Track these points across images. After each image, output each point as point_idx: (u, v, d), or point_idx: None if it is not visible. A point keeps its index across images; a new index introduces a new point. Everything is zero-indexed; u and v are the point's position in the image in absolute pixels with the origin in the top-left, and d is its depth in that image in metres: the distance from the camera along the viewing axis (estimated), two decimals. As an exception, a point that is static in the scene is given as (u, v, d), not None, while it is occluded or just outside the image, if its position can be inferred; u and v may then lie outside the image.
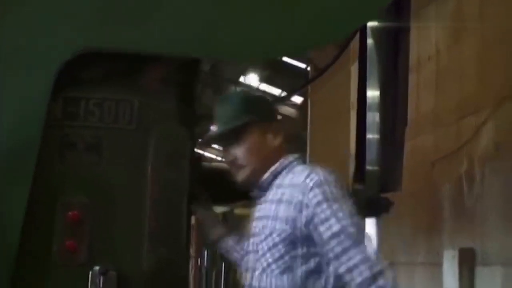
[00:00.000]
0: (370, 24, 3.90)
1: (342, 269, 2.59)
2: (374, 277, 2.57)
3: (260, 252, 2.74)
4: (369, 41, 3.88)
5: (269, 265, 2.69)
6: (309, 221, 2.64)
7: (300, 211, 2.65)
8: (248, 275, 2.78)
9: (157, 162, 3.06)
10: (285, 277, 2.66)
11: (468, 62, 6.89)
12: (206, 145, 3.57)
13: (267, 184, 2.86)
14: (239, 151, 2.90)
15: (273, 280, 2.67)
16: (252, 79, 16.65)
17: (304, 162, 2.94)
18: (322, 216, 2.63)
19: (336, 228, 2.64)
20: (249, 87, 17.34)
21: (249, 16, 3.06)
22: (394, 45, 3.84)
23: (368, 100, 3.87)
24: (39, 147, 2.93)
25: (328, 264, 2.65)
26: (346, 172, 6.96)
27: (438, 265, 6.92)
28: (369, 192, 3.85)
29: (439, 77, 7.59)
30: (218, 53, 3.07)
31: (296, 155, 2.94)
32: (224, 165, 3.21)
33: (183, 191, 2.94)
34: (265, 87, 17.35)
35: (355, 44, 4.17)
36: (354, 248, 2.59)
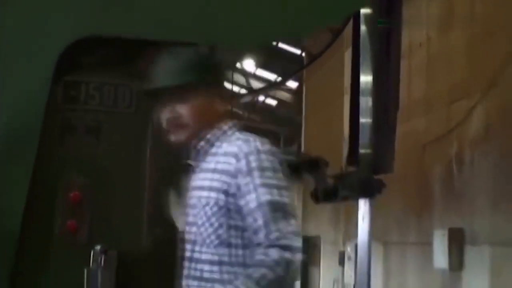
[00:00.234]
0: (363, 11, 3.88)
1: (259, 240, 2.47)
2: (283, 247, 2.42)
3: (199, 223, 2.61)
4: (362, 27, 3.86)
5: (208, 236, 2.57)
6: (238, 190, 2.52)
7: (232, 180, 2.52)
8: (188, 248, 2.64)
9: (156, 145, 3.05)
10: (222, 248, 2.54)
11: (458, 48, 6.88)
12: (148, 97, 3.07)
13: (204, 152, 2.68)
14: (184, 110, 2.67)
15: (212, 252, 2.56)
16: (248, 64, 16.62)
17: (242, 130, 2.71)
18: (250, 186, 2.47)
19: (261, 199, 2.50)
20: (245, 72, 17.32)
21: (245, 3, 3.04)
22: (387, 32, 3.81)
23: (361, 85, 3.84)
24: (41, 130, 2.91)
25: (255, 234, 2.53)
26: (340, 155, 6.97)
27: (429, 244, 6.93)
28: (362, 174, 3.83)
29: (430, 63, 7.58)
30: (215, 39, 3.04)
31: (234, 123, 2.73)
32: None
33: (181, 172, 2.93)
34: (261, 72, 17.33)
35: (348, 30, 4.15)
36: (276, 220, 2.46)
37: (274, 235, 2.47)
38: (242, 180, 2.54)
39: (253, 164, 2.55)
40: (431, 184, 7.31)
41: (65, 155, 3.02)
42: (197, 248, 2.61)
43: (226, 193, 2.56)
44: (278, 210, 2.51)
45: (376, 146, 3.79)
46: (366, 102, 3.81)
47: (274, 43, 13.45)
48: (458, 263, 6.50)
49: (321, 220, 12.83)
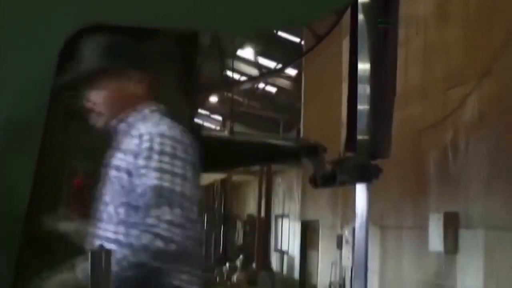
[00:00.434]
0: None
1: (136, 220, 2.42)
2: (156, 235, 2.37)
3: (107, 200, 2.58)
4: (360, 16, 3.84)
5: (116, 214, 2.52)
6: (136, 170, 2.49)
7: (134, 160, 2.50)
8: (98, 226, 2.60)
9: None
10: (121, 227, 2.51)
11: (454, 36, 6.86)
12: (68, 89, 2.98)
13: (122, 134, 2.65)
14: (97, 98, 2.65)
15: (118, 231, 2.51)
16: (248, 52, 16.58)
17: (160, 112, 2.68)
18: (146, 168, 2.47)
19: (150, 182, 2.45)
20: (245, 60, 17.28)
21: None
22: (384, 20, 3.80)
23: (359, 73, 3.83)
24: (45, 117, 2.90)
25: (136, 214, 2.48)
26: (338, 141, 6.96)
27: (424, 228, 6.94)
28: (360, 159, 3.82)
29: (427, 51, 7.56)
30: (215, 26, 3.02)
31: (158, 107, 2.69)
32: (223, 135, 3.16)
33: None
34: (261, 60, 17.29)
35: (346, 19, 4.14)
36: (158, 206, 2.41)
37: (149, 221, 2.42)
38: (141, 162, 2.51)
39: (154, 147, 2.51)
40: (427, 170, 7.31)
41: (69, 141, 3.01)
42: (103, 225, 2.60)
43: (129, 172, 2.54)
44: (163, 197, 2.45)
45: (374, 132, 3.77)
46: (363, 89, 3.79)
47: (274, 30, 13.42)
48: (453, 247, 6.51)
49: (320, 204, 12.85)
